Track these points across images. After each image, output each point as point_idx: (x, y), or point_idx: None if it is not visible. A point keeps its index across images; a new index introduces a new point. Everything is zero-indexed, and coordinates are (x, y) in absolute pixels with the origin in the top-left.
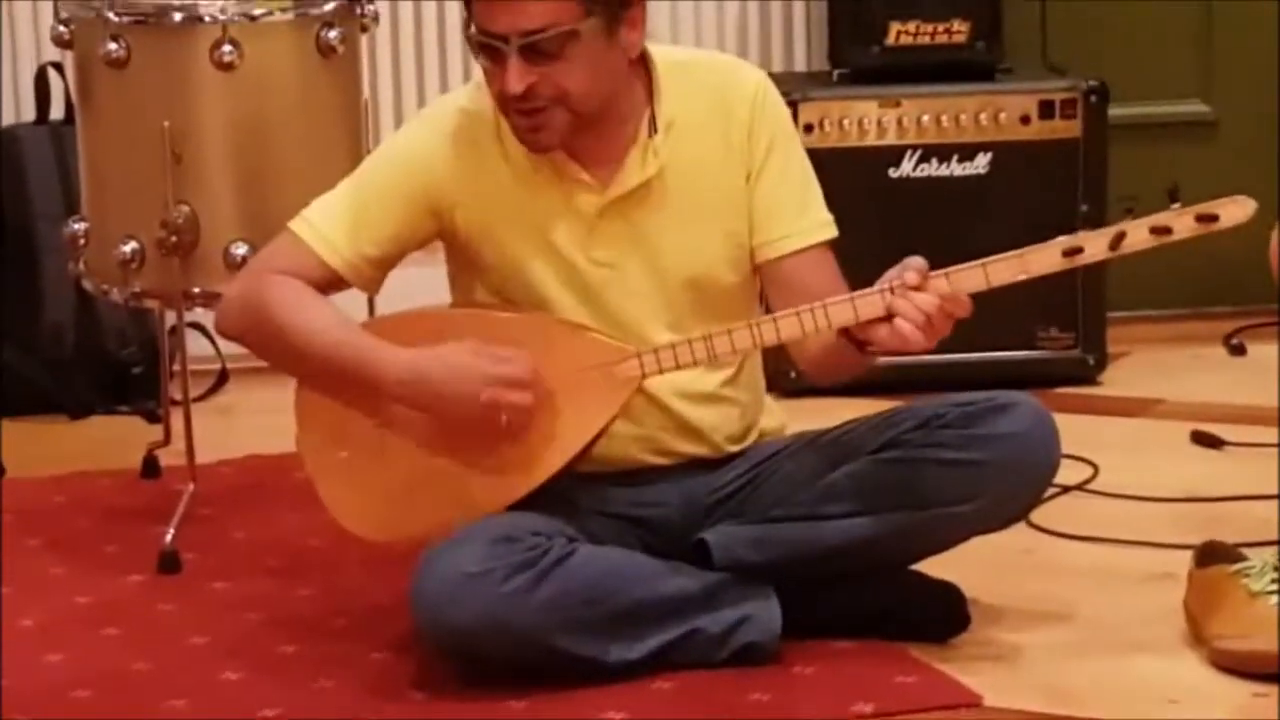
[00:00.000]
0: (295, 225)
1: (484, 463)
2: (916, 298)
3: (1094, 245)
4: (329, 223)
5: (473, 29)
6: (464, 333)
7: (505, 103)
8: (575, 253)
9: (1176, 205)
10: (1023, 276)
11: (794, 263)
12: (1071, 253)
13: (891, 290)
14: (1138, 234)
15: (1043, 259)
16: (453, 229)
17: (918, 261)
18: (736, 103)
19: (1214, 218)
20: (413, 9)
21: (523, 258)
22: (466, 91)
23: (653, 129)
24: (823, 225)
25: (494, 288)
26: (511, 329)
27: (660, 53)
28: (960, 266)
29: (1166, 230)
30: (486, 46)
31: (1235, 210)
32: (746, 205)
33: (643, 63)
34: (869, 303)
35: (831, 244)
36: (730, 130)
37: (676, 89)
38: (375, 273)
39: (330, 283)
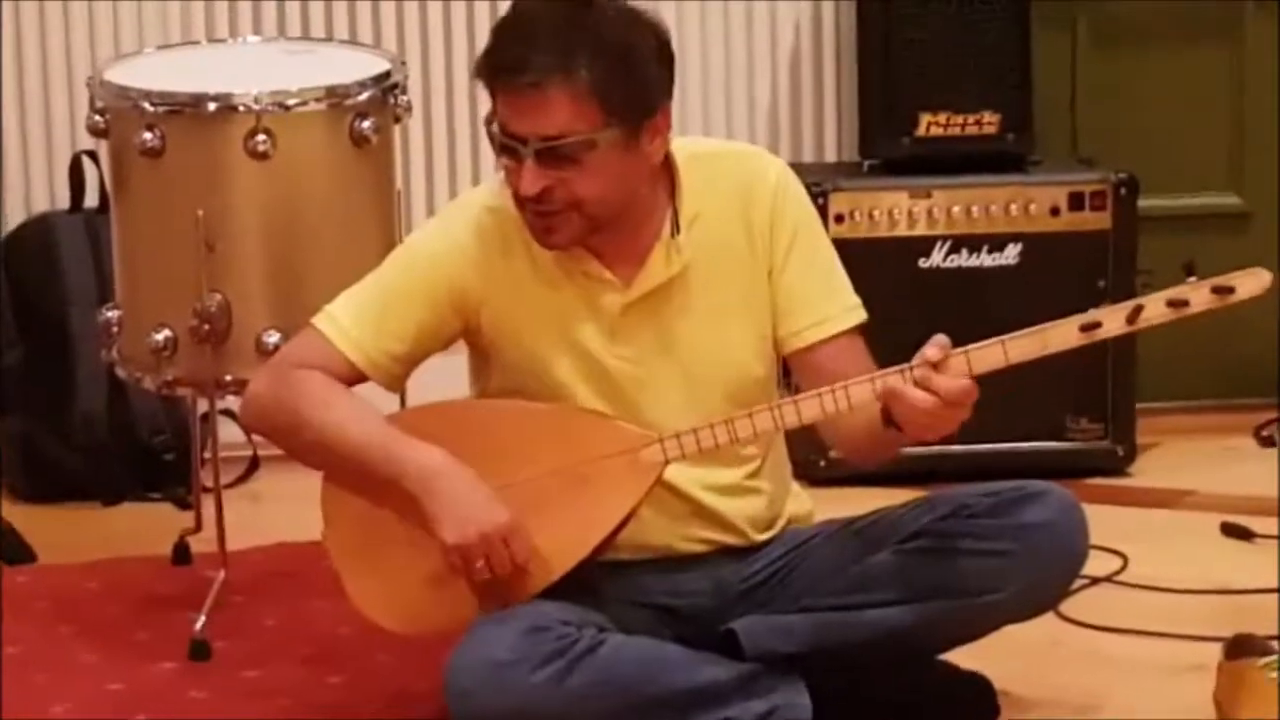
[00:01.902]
0: (319, 321)
1: None
2: (915, 395)
3: (1111, 320)
4: (353, 319)
5: (494, 125)
6: (489, 423)
7: (520, 201)
8: (599, 350)
9: (1193, 279)
10: (1042, 353)
11: (825, 350)
12: (1089, 328)
13: (912, 369)
14: (1155, 308)
15: (1061, 335)
16: (477, 327)
17: (940, 339)
18: (758, 194)
19: (1230, 290)
20: (445, 99)
21: (547, 355)
22: (490, 188)
23: (675, 227)
24: (851, 310)
25: (516, 384)
26: (535, 418)
27: (680, 146)
28: (980, 344)
29: (1183, 303)
30: (505, 145)
31: (1251, 282)
32: (771, 297)
33: (664, 160)
34: (889, 382)
35: (861, 329)
36: (753, 222)
37: (699, 184)
38: (398, 369)
39: (353, 378)
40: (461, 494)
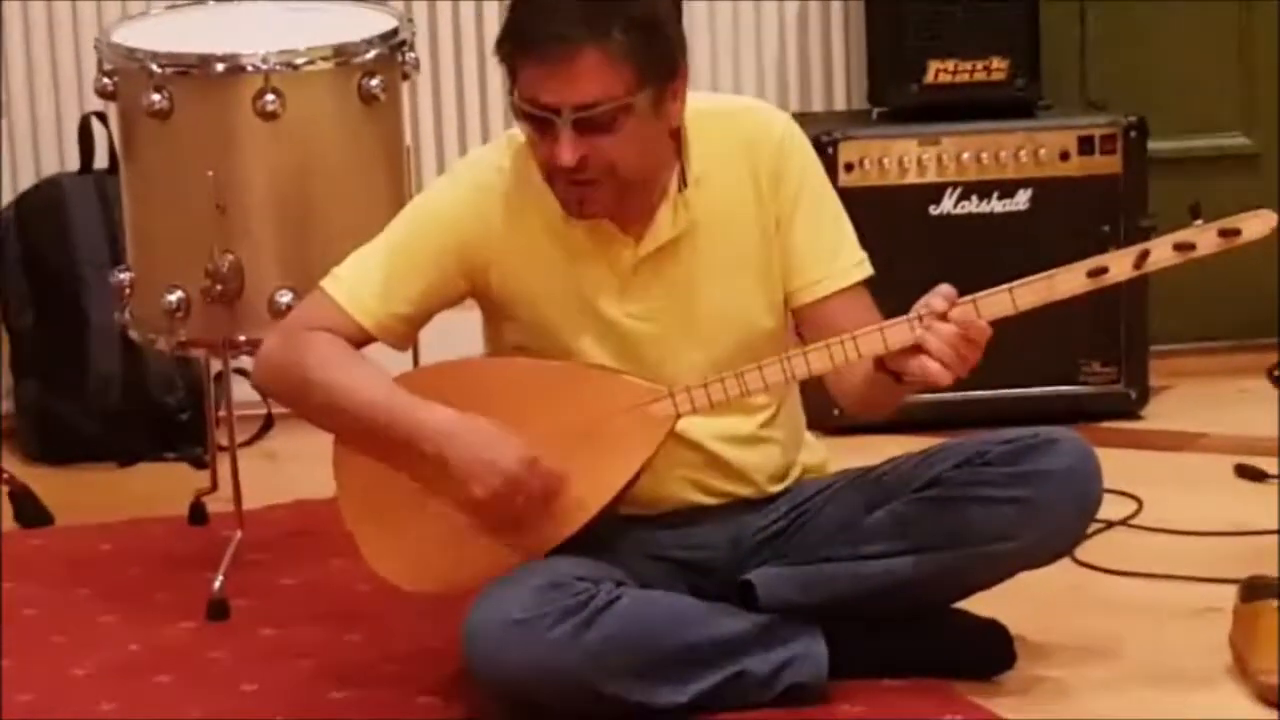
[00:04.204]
0: (327, 284)
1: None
2: (939, 329)
3: (1119, 265)
4: (360, 281)
5: (516, 96)
6: (499, 382)
7: (553, 173)
8: (611, 308)
9: (1199, 222)
10: (1050, 299)
11: (830, 305)
12: (1097, 273)
13: (920, 319)
14: (1161, 251)
15: (1069, 281)
16: (486, 287)
17: (945, 289)
18: (763, 149)
19: (1236, 232)
20: (454, 56)
21: (558, 314)
22: (497, 147)
23: (683, 183)
24: (857, 266)
25: (528, 342)
26: (546, 375)
27: (686, 102)
28: (987, 292)
29: (1190, 246)
30: (534, 117)
31: (1257, 224)
32: (779, 251)
33: None
34: (897, 332)
35: (867, 282)
36: (759, 177)
37: (704, 141)
38: (407, 330)
39: (362, 340)
40: (477, 446)
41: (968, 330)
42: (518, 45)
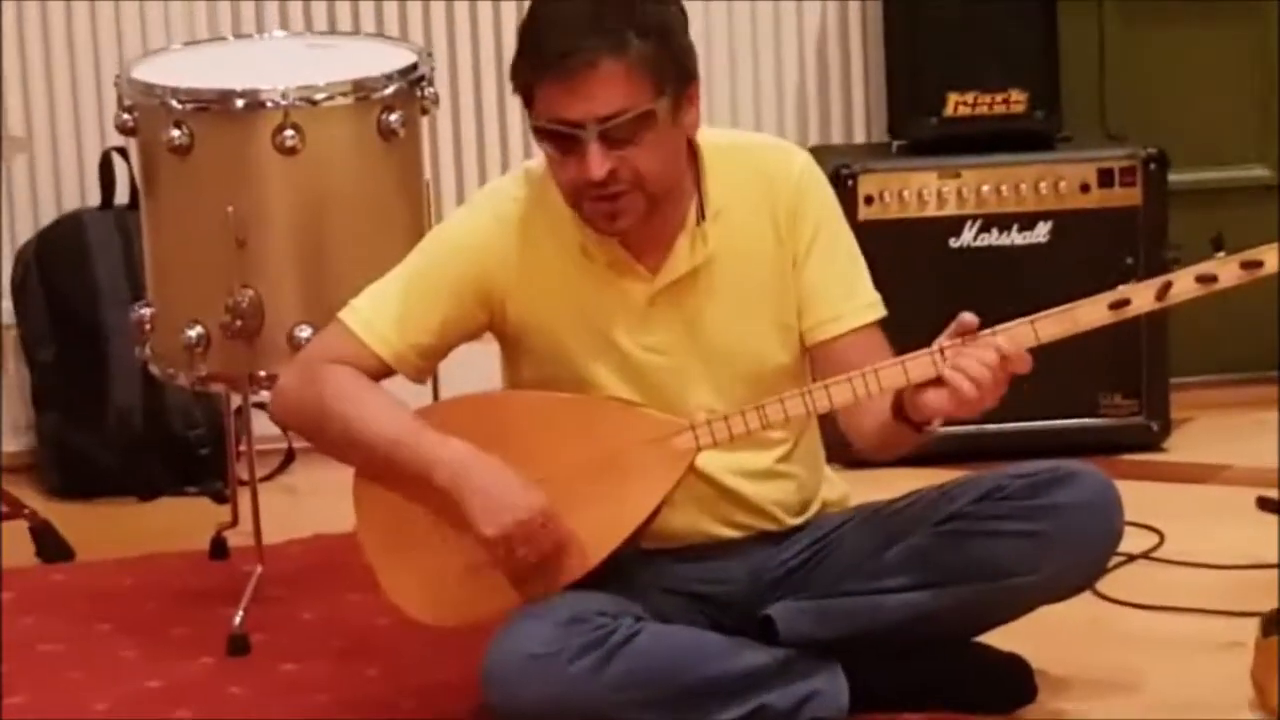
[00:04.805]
0: (344, 315)
1: None
2: (971, 352)
3: (1141, 297)
4: (377, 313)
5: (537, 118)
6: (519, 415)
7: (580, 190)
8: (627, 340)
9: (1221, 254)
10: (1072, 331)
11: (844, 344)
12: (1119, 305)
13: (941, 352)
14: (1184, 283)
15: (1091, 313)
16: (503, 319)
17: (968, 319)
18: (781, 186)
19: (1259, 264)
20: (473, 90)
21: (574, 346)
22: (514, 178)
23: (701, 215)
24: (871, 306)
25: (546, 375)
26: (566, 409)
27: (705, 136)
28: (1009, 324)
29: (1212, 278)
30: (558, 135)
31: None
32: (794, 288)
33: (689, 147)
34: (919, 365)
35: (880, 323)
36: (777, 214)
37: (723, 174)
38: (424, 362)
39: (380, 372)
40: (493, 485)
41: (1007, 361)
42: (534, 64)
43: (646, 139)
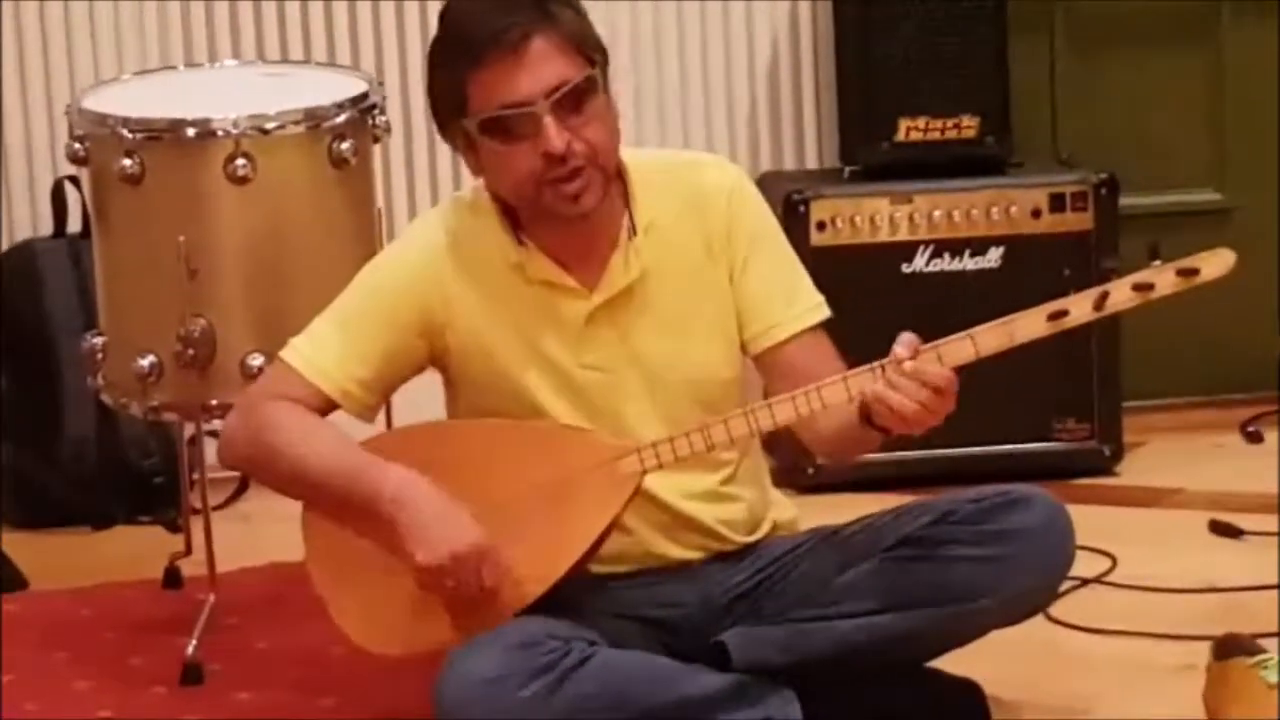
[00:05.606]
0: (285, 354)
1: None
2: (897, 380)
3: (1079, 307)
4: (317, 348)
5: (480, 112)
6: (466, 443)
7: (539, 177)
8: (565, 359)
9: (1157, 263)
10: (1011, 344)
11: (789, 349)
12: (1056, 316)
13: (883, 368)
14: (1121, 292)
15: (1029, 325)
16: (444, 348)
17: (908, 337)
18: (712, 201)
19: (1195, 271)
20: (425, 118)
21: (514, 369)
22: (443, 209)
23: (632, 231)
24: (813, 309)
25: (489, 402)
26: (513, 435)
27: (632, 155)
28: (948, 339)
29: (1149, 286)
30: (506, 122)
31: (1216, 263)
32: (733, 301)
33: (616, 168)
34: (861, 381)
35: (825, 324)
36: (709, 229)
37: (651, 191)
38: (368, 397)
39: (324, 407)
40: (433, 514)
41: (927, 378)
42: (467, 55)
43: (593, 109)
